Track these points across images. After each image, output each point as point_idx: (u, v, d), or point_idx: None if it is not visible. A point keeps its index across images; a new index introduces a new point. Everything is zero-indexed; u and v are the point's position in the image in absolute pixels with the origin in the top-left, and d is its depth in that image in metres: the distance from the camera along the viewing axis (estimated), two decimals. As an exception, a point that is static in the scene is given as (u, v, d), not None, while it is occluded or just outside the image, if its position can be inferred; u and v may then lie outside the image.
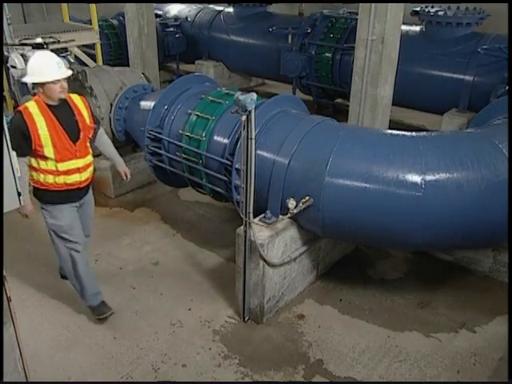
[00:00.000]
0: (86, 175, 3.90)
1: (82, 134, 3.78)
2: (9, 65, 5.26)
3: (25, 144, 3.55)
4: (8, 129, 3.42)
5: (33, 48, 5.24)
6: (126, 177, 4.36)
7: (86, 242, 4.22)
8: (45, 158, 3.64)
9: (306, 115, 4.57)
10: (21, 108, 3.62)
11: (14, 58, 5.15)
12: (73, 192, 3.84)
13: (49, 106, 3.63)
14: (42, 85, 3.56)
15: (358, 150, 3.84)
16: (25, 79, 3.68)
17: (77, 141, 3.74)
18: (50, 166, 3.68)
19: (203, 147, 4.50)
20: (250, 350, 3.88)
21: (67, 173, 3.73)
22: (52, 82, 3.54)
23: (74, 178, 3.79)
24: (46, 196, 3.80)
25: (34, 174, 3.73)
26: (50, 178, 3.71)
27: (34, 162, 3.69)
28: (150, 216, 5.83)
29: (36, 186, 3.79)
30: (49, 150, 3.61)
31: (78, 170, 3.79)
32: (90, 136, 3.93)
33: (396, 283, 4.66)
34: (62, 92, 3.63)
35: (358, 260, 5.01)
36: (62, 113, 3.68)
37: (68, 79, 3.68)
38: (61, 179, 3.73)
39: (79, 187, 3.86)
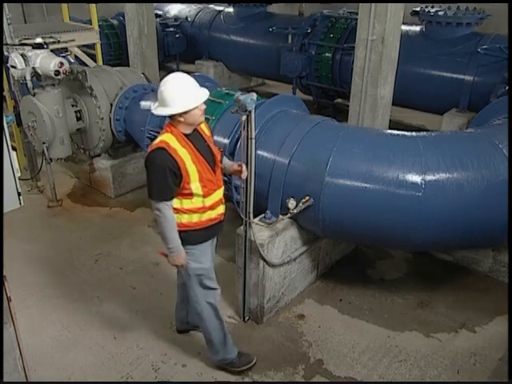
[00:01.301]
0: (224, 205, 3.47)
1: (217, 161, 3.34)
2: (9, 65, 5.25)
3: (175, 184, 3.09)
4: (152, 172, 3.11)
5: (33, 48, 5.22)
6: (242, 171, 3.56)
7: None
8: (190, 196, 3.17)
9: (306, 115, 4.57)
10: (161, 144, 3.05)
11: (14, 58, 5.14)
12: (214, 226, 3.40)
13: (185, 135, 3.13)
14: (185, 113, 3.03)
15: (358, 150, 3.84)
16: (166, 112, 3.05)
17: (216, 169, 3.30)
18: (195, 202, 3.20)
19: (203, 147, 4.50)
20: (249, 350, 3.87)
21: (212, 207, 3.29)
22: (196, 107, 3.04)
23: (218, 211, 3.36)
24: (189, 237, 3.30)
25: (176, 215, 3.21)
26: (195, 217, 3.25)
27: (175, 202, 3.18)
28: (150, 216, 5.81)
29: (178, 228, 3.26)
30: (196, 186, 3.14)
31: (221, 201, 3.39)
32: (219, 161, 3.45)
33: (396, 283, 4.66)
34: (203, 115, 3.16)
35: (357, 260, 5.01)
36: (197, 141, 3.19)
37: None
38: (206, 215, 3.28)
39: (220, 220, 3.43)
